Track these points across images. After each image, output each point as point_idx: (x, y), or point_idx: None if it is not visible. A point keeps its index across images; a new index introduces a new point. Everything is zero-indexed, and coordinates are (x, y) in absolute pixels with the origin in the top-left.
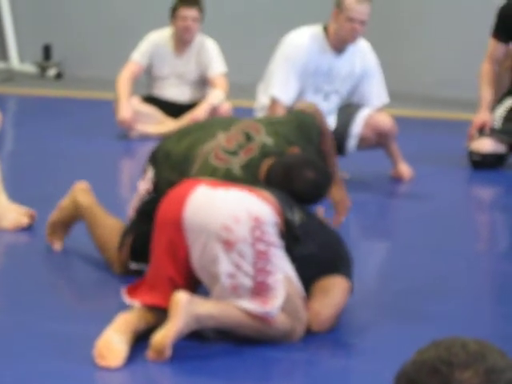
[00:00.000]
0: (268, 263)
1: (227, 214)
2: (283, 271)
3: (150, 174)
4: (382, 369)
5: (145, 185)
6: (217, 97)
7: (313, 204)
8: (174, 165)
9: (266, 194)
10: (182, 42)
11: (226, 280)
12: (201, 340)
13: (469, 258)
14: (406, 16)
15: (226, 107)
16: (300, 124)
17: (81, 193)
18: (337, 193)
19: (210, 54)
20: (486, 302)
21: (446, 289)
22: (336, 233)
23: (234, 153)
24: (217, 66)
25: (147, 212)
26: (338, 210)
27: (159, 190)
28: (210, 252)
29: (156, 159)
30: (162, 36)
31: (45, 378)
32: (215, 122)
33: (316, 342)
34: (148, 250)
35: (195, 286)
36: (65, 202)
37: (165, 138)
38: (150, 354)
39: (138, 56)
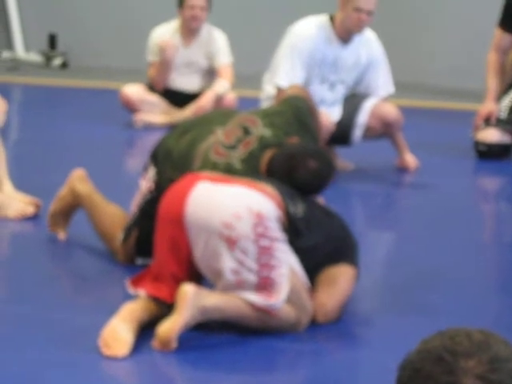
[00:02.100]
0: (272, 258)
1: (228, 210)
2: (287, 264)
3: (152, 172)
4: (388, 359)
5: (146, 183)
6: (222, 86)
7: (315, 194)
8: (175, 164)
9: (268, 187)
10: (189, 31)
11: (230, 276)
12: (206, 330)
13: (474, 248)
14: (412, 6)
15: (231, 97)
16: (295, 112)
17: (78, 181)
18: None
19: (218, 44)
20: (491, 293)
21: (452, 279)
22: (341, 220)
23: (233, 147)
24: (224, 57)
25: (150, 211)
26: None
27: (161, 188)
28: (212, 249)
29: (157, 158)
30: (168, 29)
31: (50, 368)
32: (213, 118)
33: (321, 332)
34: (153, 245)
35: (199, 280)
36: (63, 192)
37: (165, 136)
38: (155, 344)
39: (155, 56)
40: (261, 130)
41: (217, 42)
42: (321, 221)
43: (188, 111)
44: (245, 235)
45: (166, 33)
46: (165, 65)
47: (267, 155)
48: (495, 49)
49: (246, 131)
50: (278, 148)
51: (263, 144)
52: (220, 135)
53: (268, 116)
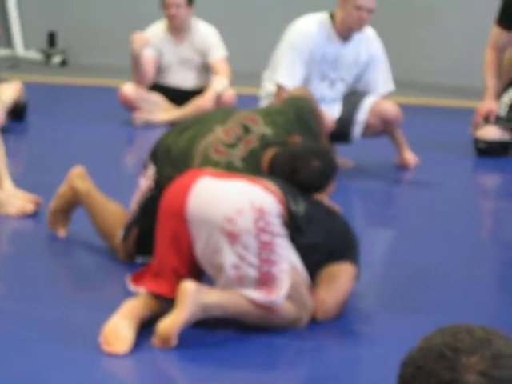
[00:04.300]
0: (272, 253)
1: (230, 205)
2: (288, 260)
3: (151, 171)
4: (389, 356)
5: (146, 181)
6: (221, 84)
7: (318, 192)
8: (174, 162)
9: (270, 184)
10: (176, 29)
11: (231, 271)
12: (206, 328)
13: (474, 246)
14: (410, 4)
15: (231, 94)
16: (297, 112)
17: (77, 178)
18: None
19: (208, 40)
20: (490, 290)
21: (451, 276)
22: (343, 219)
23: (233, 145)
24: (217, 51)
25: (149, 209)
26: None
27: (160, 186)
28: (213, 244)
29: (156, 156)
30: (159, 27)
31: (50, 365)
32: (213, 116)
33: (322, 329)
34: (153, 243)
35: (199, 276)
36: (62, 189)
37: (164, 134)
38: (155, 341)
39: (147, 51)
40: (262, 128)
41: (207, 38)
42: (322, 219)
43: (188, 109)
44: (246, 230)
45: (157, 31)
46: (134, 58)
47: (269, 154)
48: (492, 46)
49: (246, 129)
50: (280, 147)
51: (264, 142)
52: (219, 133)
53: (270, 115)
